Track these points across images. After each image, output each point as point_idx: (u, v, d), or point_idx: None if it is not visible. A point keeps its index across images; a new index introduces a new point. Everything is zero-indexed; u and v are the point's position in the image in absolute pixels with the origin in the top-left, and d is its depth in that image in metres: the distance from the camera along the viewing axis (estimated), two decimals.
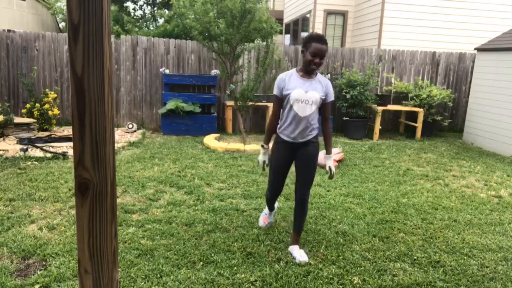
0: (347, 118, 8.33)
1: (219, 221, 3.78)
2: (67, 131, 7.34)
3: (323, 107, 3.14)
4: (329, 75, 8.75)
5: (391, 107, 8.57)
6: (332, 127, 8.59)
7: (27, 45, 7.82)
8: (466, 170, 6.08)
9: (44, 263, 2.94)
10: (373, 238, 3.58)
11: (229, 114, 8.21)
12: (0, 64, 7.76)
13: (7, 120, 6.61)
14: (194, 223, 3.71)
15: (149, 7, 15.25)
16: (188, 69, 8.47)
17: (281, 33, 15.76)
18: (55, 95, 7.50)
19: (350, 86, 8.10)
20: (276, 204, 3.72)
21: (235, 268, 2.97)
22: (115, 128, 8.00)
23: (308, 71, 3.05)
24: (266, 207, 3.67)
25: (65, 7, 12.56)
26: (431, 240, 3.60)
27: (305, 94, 3.02)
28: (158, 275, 2.83)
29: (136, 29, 11.76)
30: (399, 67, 9.20)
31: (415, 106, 8.56)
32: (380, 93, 8.93)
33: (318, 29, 12.46)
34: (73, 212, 3.82)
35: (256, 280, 2.83)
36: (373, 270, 3.05)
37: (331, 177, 3.20)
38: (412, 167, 6.13)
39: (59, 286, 2.66)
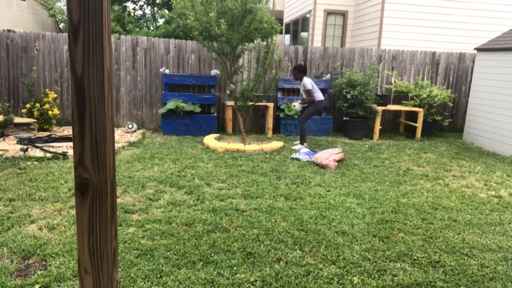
0: (347, 118, 8.32)
1: (219, 221, 3.78)
2: (67, 131, 7.34)
3: None
4: (329, 75, 8.75)
5: (391, 107, 8.57)
6: (332, 127, 8.60)
7: (27, 45, 7.82)
8: (466, 170, 6.08)
9: (44, 263, 2.94)
10: (373, 238, 3.58)
11: (229, 114, 8.21)
12: (0, 64, 7.76)
13: (7, 120, 6.61)
14: (194, 223, 3.71)
15: (149, 7, 15.24)
16: (188, 69, 8.47)
17: (281, 33, 15.76)
18: (55, 95, 7.51)
19: (350, 86, 8.09)
20: None
21: (235, 268, 2.97)
22: (115, 128, 8.00)
23: None
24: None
25: (65, 7, 12.55)
26: (431, 240, 3.60)
27: None
28: (158, 275, 2.83)
29: (137, 29, 11.76)
30: (399, 67, 9.20)
31: (415, 106, 8.56)
32: (380, 93, 8.93)
33: (318, 29, 12.46)
34: (73, 212, 3.82)
35: (256, 280, 2.83)
36: (373, 270, 3.05)
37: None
38: (412, 167, 6.13)
39: (59, 286, 2.66)
